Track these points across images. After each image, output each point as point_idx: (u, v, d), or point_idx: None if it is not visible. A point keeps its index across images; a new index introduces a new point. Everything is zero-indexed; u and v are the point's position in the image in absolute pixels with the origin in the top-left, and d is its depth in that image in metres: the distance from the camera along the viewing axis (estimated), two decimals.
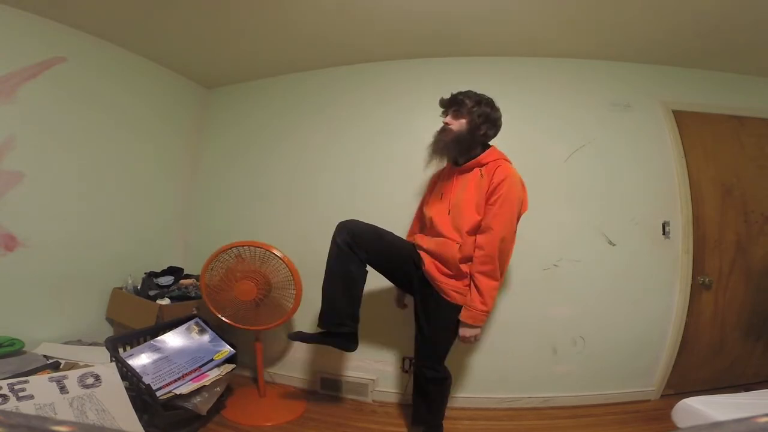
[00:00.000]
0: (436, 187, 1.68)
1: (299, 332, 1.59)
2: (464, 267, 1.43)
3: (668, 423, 1.04)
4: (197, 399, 1.55)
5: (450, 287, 1.44)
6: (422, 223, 1.68)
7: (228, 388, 1.82)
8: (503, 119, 1.54)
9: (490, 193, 1.42)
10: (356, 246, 1.44)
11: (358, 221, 1.51)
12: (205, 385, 1.58)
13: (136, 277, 2.04)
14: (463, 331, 1.43)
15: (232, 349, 1.79)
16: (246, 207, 2.32)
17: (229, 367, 1.73)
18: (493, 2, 1.63)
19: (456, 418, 1.85)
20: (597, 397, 1.96)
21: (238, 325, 1.83)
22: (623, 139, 2.03)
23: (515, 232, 1.45)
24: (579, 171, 2.00)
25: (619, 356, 1.97)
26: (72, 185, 1.84)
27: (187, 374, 1.59)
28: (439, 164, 1.69)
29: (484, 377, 1.96)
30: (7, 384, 1.15)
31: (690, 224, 2.00)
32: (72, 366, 1.44)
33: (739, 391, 1.41)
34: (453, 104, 1.53)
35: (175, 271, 2.13)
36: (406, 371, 1.98)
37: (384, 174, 2.10)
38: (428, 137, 1.59)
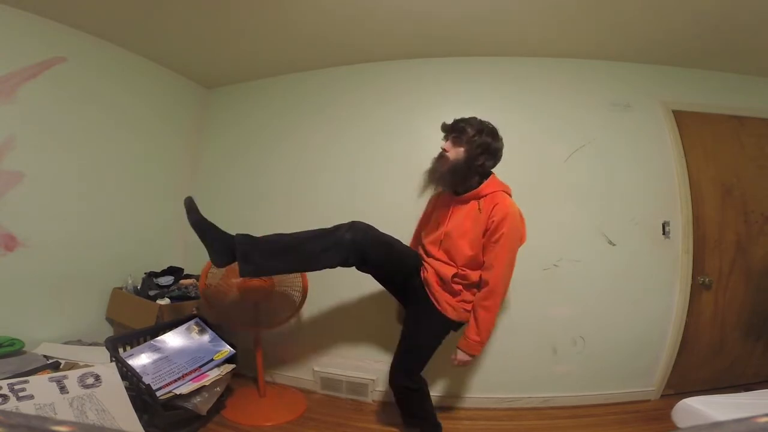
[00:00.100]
0: (434, 212, 1.69)
1: (196, 208, 1.34)
2: (456, 286, 1.47)
3: (668, 423, 1.04)
4: (197, 399, 1.55)
5: (443, 299, 1.48)
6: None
7: (228, 388, 1.82)
8: (505, 148, 1.54)
9: (491, 232, 1.43)
10: (359, 254, 1.40)
11: (376, 230, 1.46)
12: (205, 385, 1.58)
13: (136, 277, 2.04)
14: (460, 355, 1.48)
15: (232, 349, 1.79)
16: (246, 207, 2.32)
17: (229, 367, 1.73)
18: (492, 2, 1.63)
19: (456, 418, 1.85)
20: (597, 397, 1.96)
21: (242, 328, 1.83)
22: (623, 139, 2.03)
23: (515, 263, 1.49)
24: (579, 171, 2.00)
25: (619, 356, 1.97)
26: (72, 185, 1.84)
27: (187, 374, 1.59)
28: (436, 190, 1.69)
29: (484, 377, 1.96)
30: (7, 384, 1.15)
31: (690, 224, 2.00)
32: (72, 366, 1.44)
33: (739, 391, 1.41)
34: (454, 131, 1.51)
35: (175, 271, 2.13)
36: None
37: (384, 174, 2.10)
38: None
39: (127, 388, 1.36)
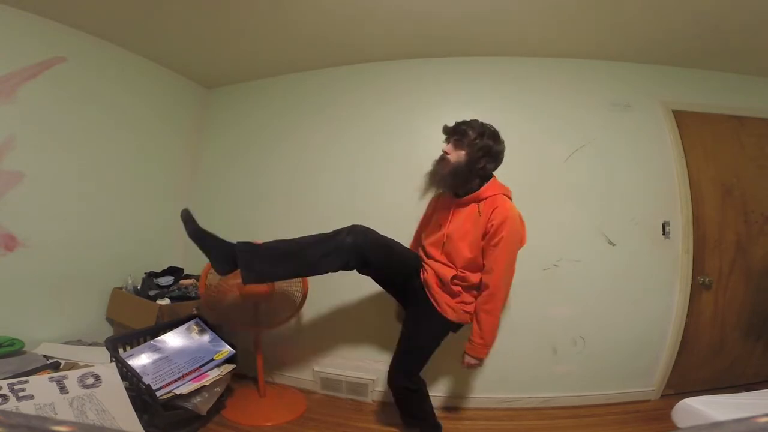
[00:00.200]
0: (434, 214, 1.69)
1: (193, 219, 1.30)
2: (455, 288, 1.47)
3: (668, 423, 1.04)
4: (197, 399, 1.55)
5: (443, 300, 1.48)
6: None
7: (228, 388, 1.82)
8: (506, 150, 1.53)
9: (490, 235, 1.43)
10: (360, 257, 1.40)
11: (375, 233, 1.45)
12: (205, 385, 1.58)
13: (136, 277, 2.04)
14: (467, 359, 1.50)
15: (232, 349, 1.79)
16: (246, 207, 2.32)
17: (229, 367, 1.73)
18: (492, 2, 1.63)
19: (456, 418, 1.85)
20: (597, 397, 1.96)
21: (242, 328, 1.83)
22: (623, 139, 2.03)
23: (515, 266, 1.49)
24: (579, 171, 2.00)
25: (619, 356, 1.97)
26: (72, 185, 1.84)
27: (187, 374, 1.59)
28: (436, 192, 1.69)
29: (484, 377, 1.96)
30: (7, 384, 1.15)
31: (690, 224, 2.00)
32: (72, 366, 1.44)
33: (740, 391, 1.41)
34: (455, 133, 1.51)
35: (175, 271, 2.13)
36: None
37: (384, 174, 2.10)
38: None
39: (127, 388, 1.36)
